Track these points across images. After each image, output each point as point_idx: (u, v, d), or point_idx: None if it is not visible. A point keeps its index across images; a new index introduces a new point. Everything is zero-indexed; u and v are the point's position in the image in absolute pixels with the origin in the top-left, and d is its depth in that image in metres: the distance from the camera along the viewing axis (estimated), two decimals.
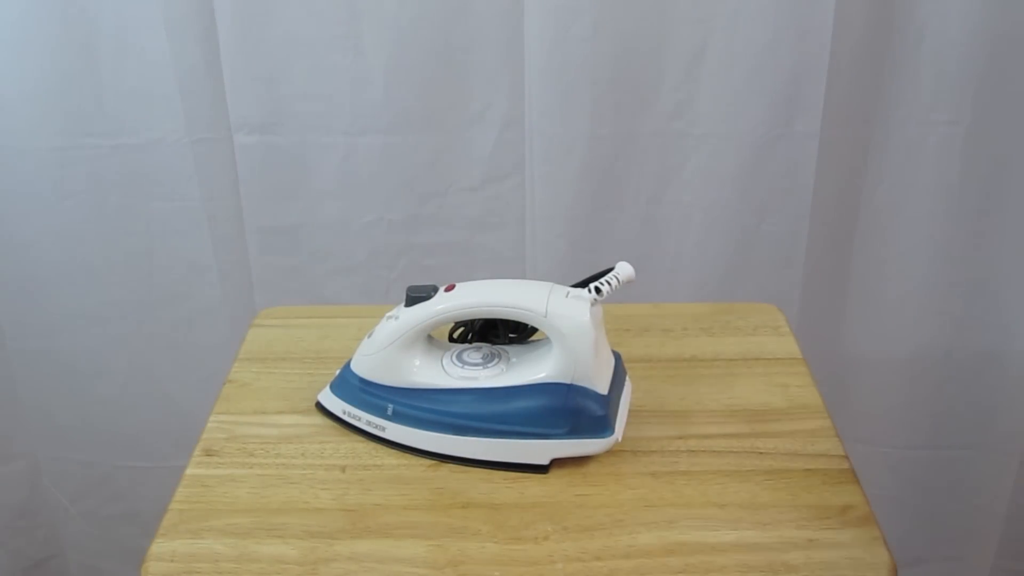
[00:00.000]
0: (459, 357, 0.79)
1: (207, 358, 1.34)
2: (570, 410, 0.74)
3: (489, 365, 0.78)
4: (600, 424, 0.74)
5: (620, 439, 0.75)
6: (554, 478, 0.76)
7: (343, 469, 0.77)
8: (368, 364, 0.79)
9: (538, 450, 0.75)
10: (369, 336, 0.80)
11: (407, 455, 0.78)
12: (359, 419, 0.79)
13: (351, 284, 1.30)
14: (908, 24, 1.12)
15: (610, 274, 0.75)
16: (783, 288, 1.25)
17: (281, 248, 1.28)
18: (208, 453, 0.79)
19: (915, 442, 1.35)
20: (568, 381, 0.74)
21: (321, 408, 0.82)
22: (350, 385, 0.80)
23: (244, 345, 0.94)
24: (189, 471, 0.77)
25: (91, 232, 1.26)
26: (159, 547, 0.69)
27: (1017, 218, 1.18)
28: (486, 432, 0.75)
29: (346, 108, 1.19)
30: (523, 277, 1.23)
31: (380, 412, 0.78)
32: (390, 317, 0.79)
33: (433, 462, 0.77)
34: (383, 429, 0.78)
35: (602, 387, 0.75)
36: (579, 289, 0.75)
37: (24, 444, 1.43)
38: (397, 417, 0.77)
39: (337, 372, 0.82)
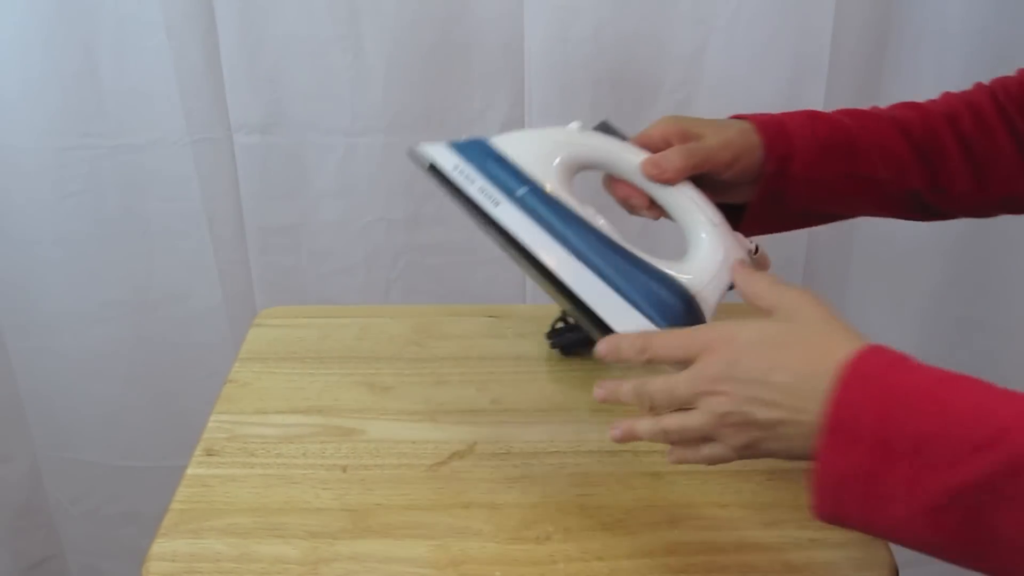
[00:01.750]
0: (600, 217, 0.72)
1: (207, 358, 1.34)
2: (682, 316, 0.68)
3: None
4: None
5: None
6: (554, 477, 0.76)
7: (344, 469, 0.77)
8: (520, 146, 0.71)
9: (633, 326, 0.67)
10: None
11: (406, 455, 0.78)
12: (472, 181, 0.70)
13: (351, 284, 1.30)
14: (908, 24, 1.12)
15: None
16: None
17: (281, 248, 1.28)
18: (209, 453, 0.79)
19: None
20: (696, 290, 0.69)
21: (421, 158, 0.72)
22: (480, 151, 0.71)
23: (244, 345, 0.94)
24: (190, 471, 0.77)
25: (91, 232, 1.26)
26: (160, 547, 0.69)
27: (1017, 218, 1.18)
28: (602, 275, 0.68)
29: (346, 108, 1.19)
30: (523, 278, 1.23)
31: (506, 188, 0.69)
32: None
33: (435, 462, 0.77)
34: (496, 204, 0.69)
35: (711, 317, 0.70)
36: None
37: (24, 444, 1.42)
38: (522, 204, 0.69)
39: (476, 138, 0.73)
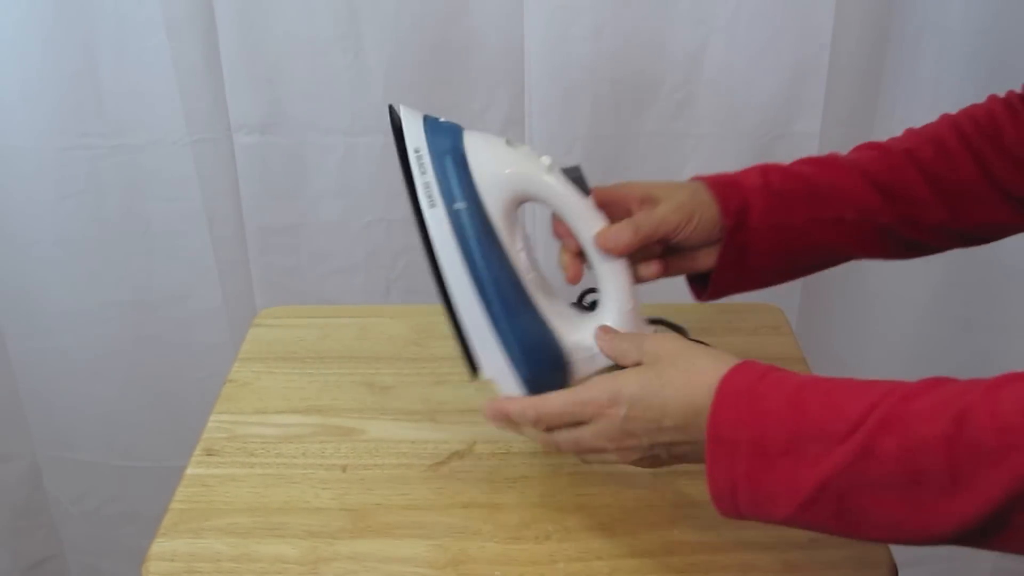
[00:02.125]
0: (527, 250, 0.72)
1: (207, 358, 1.34)
2: (545, 376, 0.70)
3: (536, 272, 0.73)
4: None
5: None
6: (554, 477, 0.76)
7: (344, 469, 0.77)
8: (486, 158, 0.70)
9: (495, 364, 0.70)
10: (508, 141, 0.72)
11: (406, 455, 0.78)
12: (423, 172, 0.69)
13: (351, 284, 1.30)
14: (908, 24, 1.12)
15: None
16: (783, 288, 1.25)
17: (281, 248, 1.28)
18: (209, 453, 0.79)
19: None
20: (573, 359, 0.71)
21: (394, 118, 0.72)
22: (447, 144, 0.70)
23: (244, 345, 0.94)
24: (190, 471, 0.77)
25: (91, 232, 1.26)
26: (160, 547, 0.69)
27: None
28: (490, 309, 0.69)
29: (346, 108, 1.19)
30: None
31: (447, 195, 0.69)
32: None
33: (434, 461, 0.77)
34: (432, 205, 0.68)
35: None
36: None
37: (24, 444, 1.43)
38: (454, 217, 0.68)
39: (444, 121, 0.72)
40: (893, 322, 1.28)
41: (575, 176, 0.72)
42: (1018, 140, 0.74)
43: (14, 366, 1.37)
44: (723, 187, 0.74)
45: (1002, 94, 0.78)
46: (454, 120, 1.21)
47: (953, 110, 1.13)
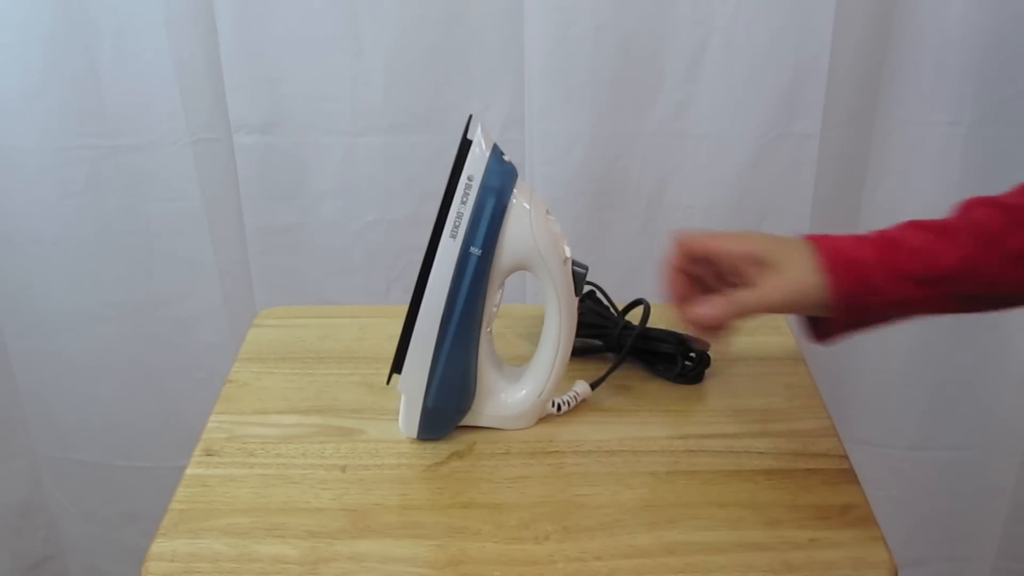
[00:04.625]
0: (499, 303, 0.79)
1: (207, 358, 1.34)
2: (446, 413, 0.79)
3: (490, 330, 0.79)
4: (425, 430, 0.79)
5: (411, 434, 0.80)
6: (554, 477, 0.76)
7: (343, 469, 0.77)
8: (522, 222, 0.74)
9: (412, 381, 0.76)
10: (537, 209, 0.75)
11: (406, 455, 0.78)
12: (464, 202, 0.72)
13: (351, 284, 1.30)
14: (908, 24, 1.12)
15: (571, 393, 0.83)
16: None
17: (281, 248, 1.28)
18: (208, 453, 0.79)
19: (915, 442, 1.35)
20: (478, 409, 0.80)
21: (471, 132, 0.76)
22: (498, 186, 0.73)
23: (244, 345, 0.94)
24: (189, 471, 0.77)
25: (91, 232, 1.26)
26: (159, 547, 0.69)
27: None
28: (440, 336, 0.74)
29: (346, 108, 1.19)
30: (522, 278, 1.23)
31: (471, 235, 0.72)
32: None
33: (434, 462, 0.77)
34: (452, 236, 0.72)
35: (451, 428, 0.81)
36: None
37: (24, 444, 1.43)
38: (463, 255, 0.72)
39: (512, 171, 0.75)
40: None
41: (580, 275, 0.77)
42: None
43: (14, 366, 1.37)
44: (838, 267, 0.68)
45: None
46: (454, 121, 1.22)
47: (953, 111, 1.14)
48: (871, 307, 0.69)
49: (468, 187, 0.72)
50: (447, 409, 0.78)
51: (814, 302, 0.69)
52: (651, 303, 0.88)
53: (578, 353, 0.86)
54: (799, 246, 0.70)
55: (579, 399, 0.83)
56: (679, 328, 0.83)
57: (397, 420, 0.80)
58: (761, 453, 0.78)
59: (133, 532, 1.45)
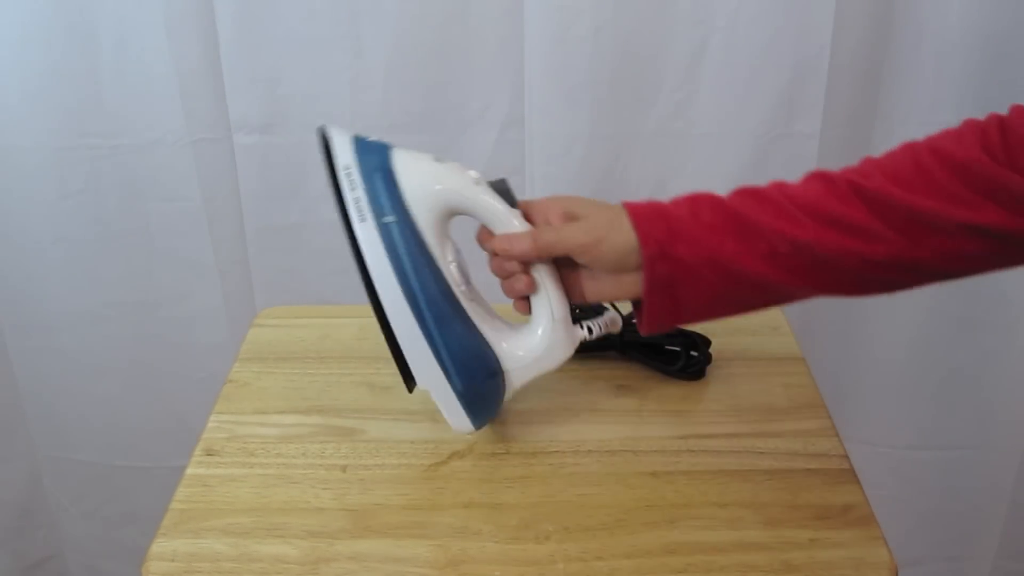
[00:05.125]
0: (459, 263, 0.74)
1: (207, 358, 1.34)
2: (481, 385, 0.74)
3: (468, 286, 0.75)
4: (478, 416, 0.75)
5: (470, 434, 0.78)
6: (554, 477, 0.76)
7: (344, 469, 0.77)
8: (414, 173, 0.72)
9: (429, 373, 0.72)
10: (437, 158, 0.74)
11: (406, 455, 0.78)
12: (353, 189, 0.71)
13: (351, 284, 1.29)
14: (908, 24, 1.12)
15: (603, 318, 0.79)
16: None
17: (281, 248, 1.28)
18: (209, 453, 0.79)
19: (915, 442, 1.35)
20: (507, 367, 0.75)
21: (325, 141, 0.74)
22: (376, 161, 0.72)
23: (244, 345, 0.94)
24: (190, 471, 0.77)
25: (91, 232, 1.26)
26: (160, 547, 0.69)
27: None
28: (421, 319, 0.71)
29: (346, 108, 1.18)
30: None
31: (377, 209, 0.71)
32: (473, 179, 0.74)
33: (434, 462, 0.77)
34: (362, 220, 0.71)
35: (510, 397, 0.77)
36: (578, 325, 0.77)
37: (24, 444, 1.43)
38: (384, 230, 0.70)
39: (373, 140, 0.74)
40: (893, 322, 1.28)
41: (502, 189, 0.74)
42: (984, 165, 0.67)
43: (14, 366, 1.37)
44: (645, 216, 0.71)
45: (981, 117, 0.72)
46: (454, 121, 1.22)
47: (953, 111, 1.14)
48: (682, 260, 0.70)
49: (349, 175, 0.71)
50: (481, 385, 0.74)
51: (621, 250, 0.70)
52: None
53: (579, 353, 0.86)
54: (613, 205, 0.73)
55: (607, 324, 0.79)
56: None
57: (400, 421, 0.80)
58: (761, 453, 0.78)
59: (133, 532, 1.45)
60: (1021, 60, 1.11)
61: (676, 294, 0.71)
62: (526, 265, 0.74)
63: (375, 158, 0.72)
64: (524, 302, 0.76)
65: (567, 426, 0.82)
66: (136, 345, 1.34)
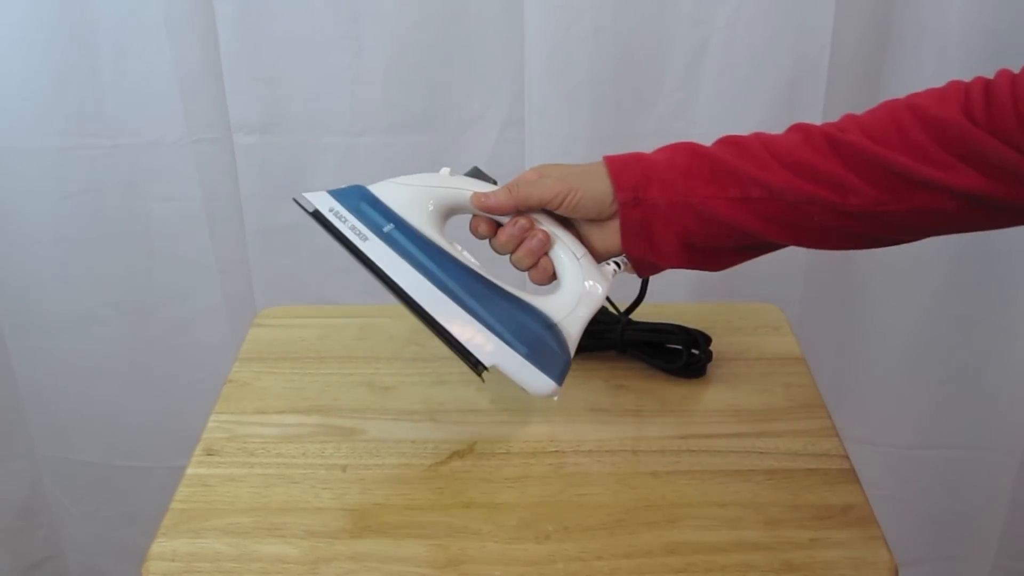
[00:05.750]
0: (465, 254, 0.76)
1: (207, 358, 1.34)
2: (543, 342, 0.73)
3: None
4: (554, 371, 0.73)
5: (557, 399, 0.78)
6: (554, 477, 0.76)
7: (344, 468, 0.77)
8: (395, 193, 0.75)
9: (491, 349, 0.71)
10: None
11: (406, 455, 0.78)
12: (344, 220, 0.73)
13: (351, 284, 1.29)
14: (908, 24, 1.12)
15: (614, 260, 0.78)
16: (783, 288, 1.25)
17: (281, 248, 1.28)
18: (209, 453, 0.79)
19: (915, 442, 1.35)
20: (557, 320, 0.74)
21: (305, 205, 0.74)
22: (356, 196, 0.74)
23: (244, 345, 0.94)
24: (190, 471, 0.77)
25: (91, 232, 1.26)
26: (160, 546, 0.69)
27: None
28: (460, 302, 0.72)
29: (346, 108, 1.18)
30: (522, 278, 1.23)
31: (374, 226, 0.73)
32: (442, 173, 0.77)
33: (434, 461, 0.77)
34: (364, 240, 0.72)
35: (574, 348, 0.75)
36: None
37: (24, 444, 1.43)
38: (388, 239, 0.72)
39: (356, 185, 0.76)
40: (893, 322, 1.28)
41: (476, 173, 0.77)
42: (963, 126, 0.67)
43: (14, 366, 1.37)
44: (621, 163, 0.73)
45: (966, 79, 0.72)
46: (454, 121, 1.22)
47: None
48: (654, 203, 0.71)
49: (336, 213, 0.73)
50: (543, 342, 0.73)
51: (599, 196, 0.72)
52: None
53: (578, 352, 0.86)
54: (592, 163, 0.75)
55: (623, 267, 0.78)
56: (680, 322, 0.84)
57: (399, 421, 0.80)
58: (761, 453, 0.78)
59: (133, 532, 1.45)
60: (1021, 60, 1.11)
61: (652, 237, 0.73)
62: (532, 224, 0.75)
63: (352, 192, 0.75)
64: (542, 272, 0.76)
65: (567, 426, 0.82)
66: (136, 345, 1.34)
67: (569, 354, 0.74)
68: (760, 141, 0.72)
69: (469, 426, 0.81)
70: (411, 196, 0.75)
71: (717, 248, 0.74)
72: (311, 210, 0.74)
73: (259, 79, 1.17)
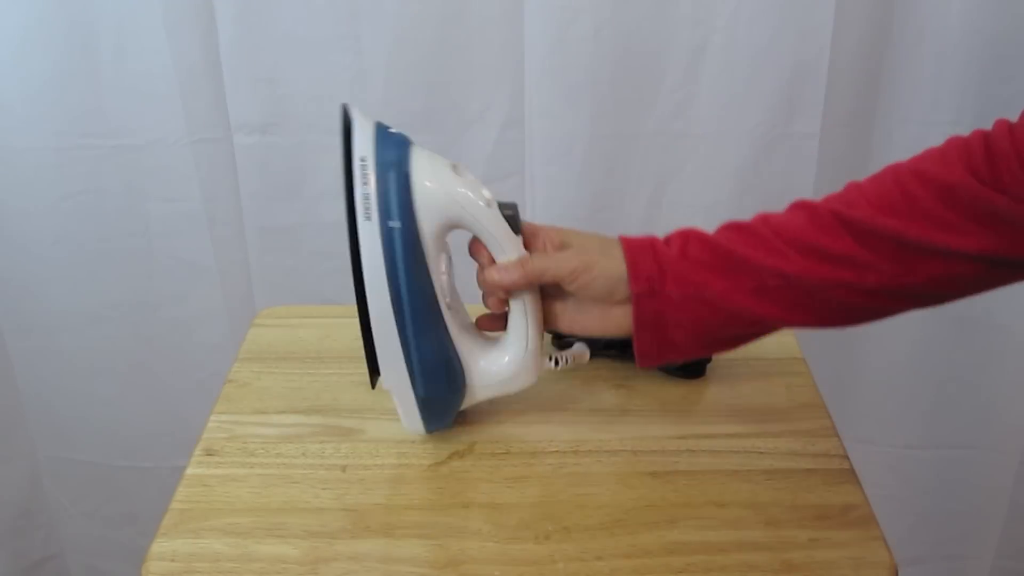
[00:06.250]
0: (449, 273, 0.75)
1: (207, 358, 1.34)
2: (441, 397, 0.76)
3: (453, 297, 0.76)
4: (430, 422, 0.77)
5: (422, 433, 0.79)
6: (554, 477, 0.76)
7: (344, 469, 0.77)
8: (428, 178, 0.71)
9: (395, 379, 0.74)
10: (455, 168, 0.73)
11: (406, 455, 0.78)
12: (365, 183, 0.69)
13: (351, 284, 1.29)
14: (908, 24, 1.12)
15: (571, 351, 0.81)
16: None
17: (281, 248, 1.28)
18: (209, 453, 0.79)
19: (915, 442, 1.35)
20: (469, 383, 0.77)
21: (346, 121, 0.73)
22: (393, 156, 0.71)
23: (244, 345, 0.94)
24: (190, 471, 0.77)
25: (91, 232, 1.26)
26: (160, 547, 0.69)
27: None
28: (401, 326, 0.71)
29: None
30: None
31: (384, 211, 0.69)
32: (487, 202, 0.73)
33: (434, 462, 0.77)
34: (367, 218, 0.69)
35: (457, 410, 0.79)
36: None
37: (24, 444, 1.43)
38: (386, 234, 0.70)
39: (394, 131, 0.73)
40: (893, 322, 1.28)
41: (510, 214, 0.74)
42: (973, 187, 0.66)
43: (14, 366, 1.37)
44: (637, 249, 0.72)
45: (966, 134, 0.70)
46: (454, 121, 1.22)
47: (953, 111, 1.14)
48: (670, 298, 0.70)
49: (364, 167, 0.70)
50: (442, 393, 0.76)
51: (611, 278, 0.71)
52: None
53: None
54: (606, 237, 0.75)
55: (575, 358, 0.80)
56: None
57: (399, 421, 0.80)
58: (761, 453, 0.78)
59: (133, 532, 1.45)
60: (1021, 60, 1.11)
61: (666, 331, 0.72)
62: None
63: (393, 153, 0.71)
64: (496, 318, 0.77)
65: (567, 426, 0.82)
66: (136, 345, 1.34)
67: (454, 415, 0.78)
68: (768, 226, 0.71)
69: (469, 426, 0.81)
70: (439, 203, 0.71)
71: (734, 336, 0.74)
72: (345, 135, 0.72)
73: (259, 79, 1.17)
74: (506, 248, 0.73)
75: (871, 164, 1.20)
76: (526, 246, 0.74)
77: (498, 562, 0.68)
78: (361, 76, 1.16)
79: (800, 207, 0.72)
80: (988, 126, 1.17)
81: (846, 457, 0.77)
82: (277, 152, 1.21)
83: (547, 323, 0.77)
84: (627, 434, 0.80)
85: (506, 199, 0.74)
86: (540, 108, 1.17)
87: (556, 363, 0.80)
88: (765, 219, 0.72)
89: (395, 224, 0.70)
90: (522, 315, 0.75)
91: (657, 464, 0.77)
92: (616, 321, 0.73)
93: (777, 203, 1.20)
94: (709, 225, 1.22)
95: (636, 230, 1.22)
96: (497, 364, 0.77)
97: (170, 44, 1.15)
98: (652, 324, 0.72)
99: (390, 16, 1.13)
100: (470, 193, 0.72)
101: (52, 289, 1.31)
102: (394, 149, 0.71)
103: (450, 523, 0.71)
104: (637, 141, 1.19)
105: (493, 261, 0.74)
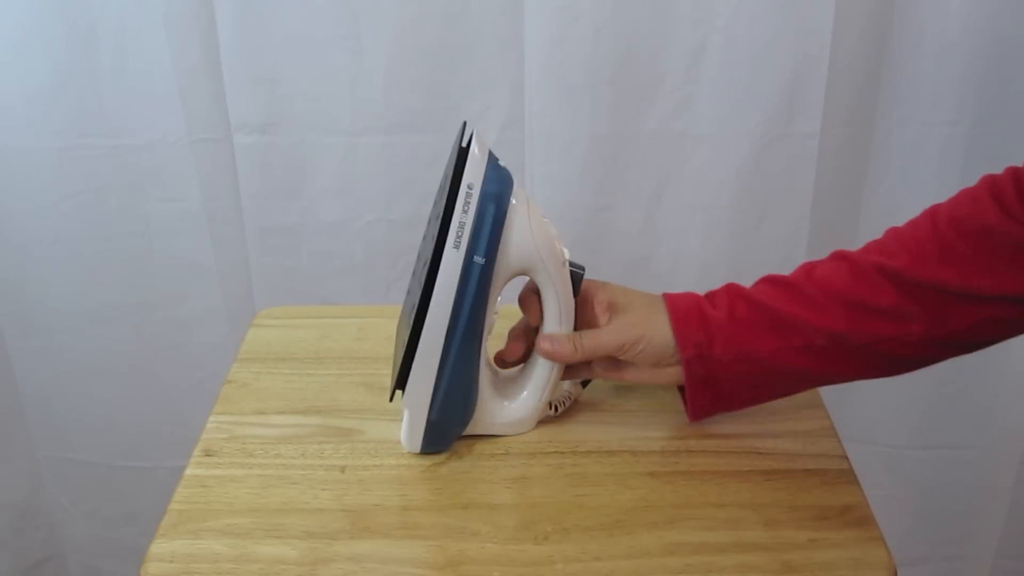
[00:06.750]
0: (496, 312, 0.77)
1: (207, 358, 1.34)
2: (449, 425, 0.78)
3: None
4: (429, 444, 0.78)
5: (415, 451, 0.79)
6: (553, 477, 0.76)
7: (343, 469, 0.77)
8: (522, 228, 0.73)
9: (414, 399, 0.75)
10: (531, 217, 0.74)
11: (405, 455, 0.78)
12: (465, 211, 0.71)
13: (351, 284, 1.30)
14: (908, 24, 1.12)
15: (564, 392, 0.83)
16: None
17: (281, 248, 1.28)
18: (208, 453, 0.79)
19: (915, 442, 1.35)
20: (477, 417, 0.79)
21: (464, 139, 0.75)
22: (497, 194, 0.72)
23: (244, 345, 0.94)
24: (189, 471, 0.77)
25: (91, 232, 1.26)
26: (159, 547, 0.69)
27: None
28: (445, 353, 0.73)
29: (346, 108, 1.19)
30: (521, 279, 1.23)
31: (473, 244, 0.71)
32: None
33: (433, 462, 0.77)
34: (456, 246, 0.71)
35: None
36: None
37: (24, 444, 1.43)
38: (467, 266, 0.71)
39: (509, 178, 0.74)
40: None
41: (577, 277, 0.76)
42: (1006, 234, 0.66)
43: (14, 366, 1.37)
44: (683, 314, 0.74)
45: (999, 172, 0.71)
46: (454, 121, 1.22)
47: (953, 111, 1.14)
48: (719, 360, 0.73)
49: (468, 196, 0.71)
50: (451, 422, 0.78)
51: (660, 349, 0.74)
52: None
53: None
54: (652, 298, 0.77)
55: (572, 399, 0.83)
56: None
57: (399, 421, 0.80)
58: (761, 453, 0.78)
59: (133, 532, 1.45)
60: (1021, 60, 1.11)
61: (717, 389, 0.75)
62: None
63: (497, 188, 0.72)
64: (513, 360, 0.81)
65: (566, 426, 0.82)
66: (136, 345, 1.34)
67: (449, 445, 0.79)
68: (812, 281, 0.72)
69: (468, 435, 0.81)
70: (524, 250, 0.74)
71: (782, 389, 0.78)
72: (460, 151, 0.73)
73: (259, 79, 1.17)
74: (562, 311, 0.76)
75: (871, 164, 1.20)
76: (576, 306, 0.77)
77: (497, 563, 0.68)
78: (361, 76, 1.16)
79: (841, 258, 0.73)
80: (988, 126, 1.17)
81: (845, 458, 0.77)
82: (277, 152, 1.21)
83: (595, 373, 0.80)
84: (627, 434, 0.80)
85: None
86: (540, 108, 1.17)
87: (555, 409, 0.82)
88: (808, 272, 0.73)
89: (479, 260, 0.72)
90: (547, 369, 0.78)
91: (656, 465, 0.77)
92: (668, 378, 0.76)
93: (777, 203, 1.21)
94: (709, 225, 1.24)
95: (636, 230, 1.24)
96: (504, 408, 0.80)
97: (170, 44, 1.15)
98: (703, 384, 0.75)
99: (390, 16, 1.13)
100: (554, 248, 0.75)
101: (52, 289, 1.31)
102: (500, 184, 0.73)
103: (449, 524, 0.71)
104: (637, 141, 1.19)
105: (540, 316, 0.77)
